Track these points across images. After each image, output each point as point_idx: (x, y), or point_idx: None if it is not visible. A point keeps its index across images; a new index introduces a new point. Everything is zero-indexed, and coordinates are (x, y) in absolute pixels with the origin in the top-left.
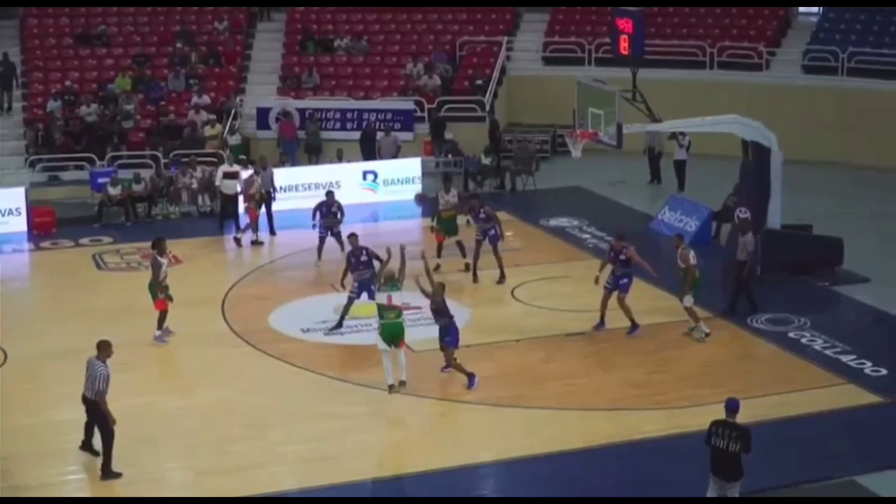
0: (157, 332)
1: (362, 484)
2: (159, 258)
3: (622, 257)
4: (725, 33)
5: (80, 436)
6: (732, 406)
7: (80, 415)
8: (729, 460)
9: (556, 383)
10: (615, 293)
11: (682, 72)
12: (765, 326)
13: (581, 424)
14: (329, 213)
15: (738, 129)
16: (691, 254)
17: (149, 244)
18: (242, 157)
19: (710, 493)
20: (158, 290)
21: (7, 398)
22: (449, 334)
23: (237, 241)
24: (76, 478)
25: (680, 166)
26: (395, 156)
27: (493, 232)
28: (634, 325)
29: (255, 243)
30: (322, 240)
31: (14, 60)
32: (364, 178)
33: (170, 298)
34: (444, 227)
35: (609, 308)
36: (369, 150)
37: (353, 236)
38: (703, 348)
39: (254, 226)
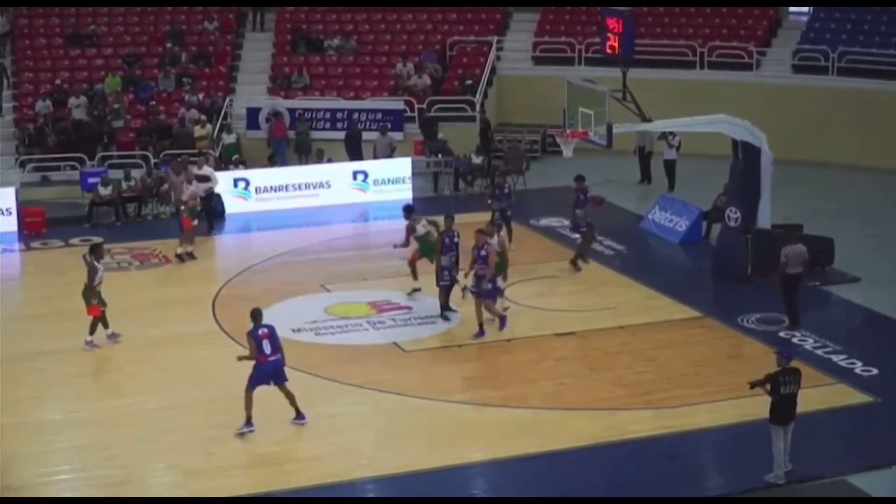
0: (89, 338)
1: (351, 484)
2: (96, 263)
3: (482, 253)
4: (715, 33)
5: (67, 436)
6: (788, 354)
7: (66, 415)
8: (793, 402)
9: (547, 383)
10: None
11: (672, 71)
12: (755, 326)
13: (571, 424)
14: None
15: (728, 128)
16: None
17: (141, 244)
18: (236, 156)
19: (785, 443)
20: (91, 295)
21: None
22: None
23: (179, 256)
24: (63, 478)
25: (670, 166)
26: (389, 156)
27: (509, 212)
28: (481, 330)
29: (189, 256)
30: None
31: (4, 61)
32: (354, 178)
33: (103, 304)
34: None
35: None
36: (355, 150)
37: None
38: (693, 348)
39: (189, 237)
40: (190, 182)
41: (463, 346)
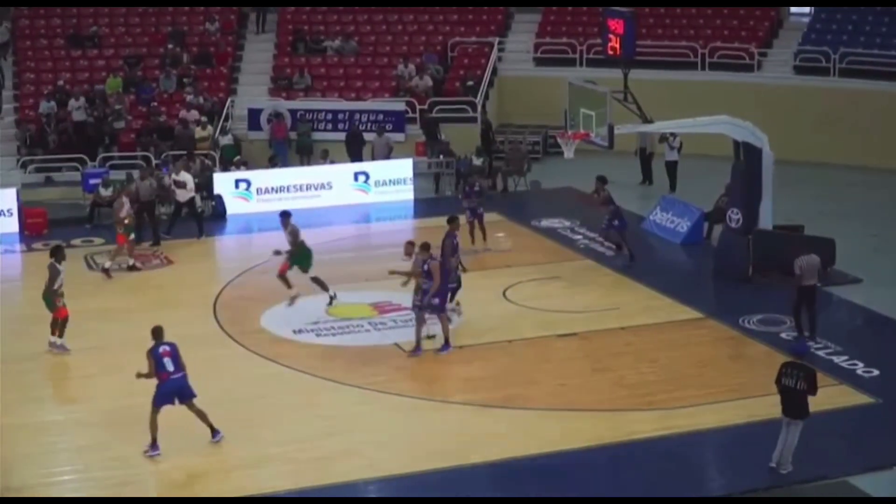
0: (59, 340)
1: (353, 485)
2: (57, 265)
3: (425, 267)
4: (717, 34)
5: (68, 437)
6: (799, 350)
7: (67, 415)
8: (796, 399)
9: (548, 384)
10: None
11: (673, 72)
12: (757, 327)
13: (573, 425)
14: None
15: (729, 129)
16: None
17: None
18: (237, 157)
19: (781, 435)
20: (55, 297)
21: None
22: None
23: (107, 272)
24: (65, 479)
25: (671, 167)
26: (387, 157)
27: (480, 210)
28: (447, 343)
29: (133, 268)
30: None
31: (3, 63)
32: (356, 179)
33: (64, 306)
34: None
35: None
36: (355, 151)
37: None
38: (695, 349)
39: (129, 250)
40: (128, 193)
41: (464, 347)
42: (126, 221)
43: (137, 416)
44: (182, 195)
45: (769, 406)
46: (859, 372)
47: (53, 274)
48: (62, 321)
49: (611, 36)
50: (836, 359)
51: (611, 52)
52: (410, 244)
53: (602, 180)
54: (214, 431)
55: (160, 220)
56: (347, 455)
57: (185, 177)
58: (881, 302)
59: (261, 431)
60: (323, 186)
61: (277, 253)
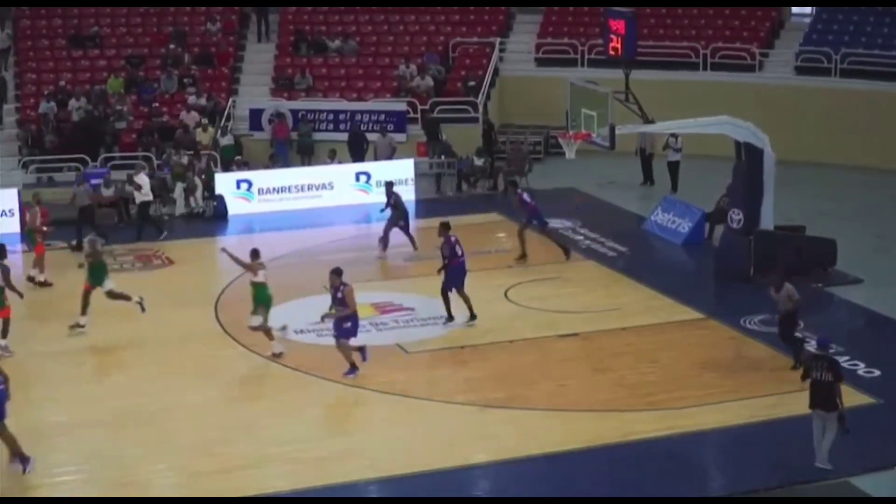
0: (3, 342)
1: (353, 485)
2: (6, 263)
3: (339, 295)
4: (718, 34)
5: (71, 437)
6: (823, 342)
7: (69, 416)
8: (825, 390)
9: (549, 384)
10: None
11: (674, 73)
12: (758, 327)
13: (574, 425)
14: None
15: (730, 130)
16: (261, 272)
17: (144, 245)
18: (238, 157)
19: (815, 428)
20: (3, 297)
21: None
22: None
23: (32, 279)
24: (68, 479)
25: (673, 168)
26: (390, 157)
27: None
28: (353, 367)
29: (44, 284)
30: None
31: (5, 74)
32: (357, 179)
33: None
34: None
35: (592, 310)
36: (357, 151)
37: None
38: (696, 350)
39: (39, 263)
40: (39, 205)
41: (466, 347)
42: (45, 229)
43: (139, 415)
44: (138, 197)
45: (770, 406)
46: (860, 372)
47: (5, 272)
48: (4, 321)
49: (612, 36)
50: (837, 359)
51: (612, 53)
52: (335, 274)
53: (513, 184)
54: (22, 459)
55: (163, 218)
56: (348, 455)
57: (143, 180)
58: (882, 302)
59: (261, 432)
60: (324, 187)
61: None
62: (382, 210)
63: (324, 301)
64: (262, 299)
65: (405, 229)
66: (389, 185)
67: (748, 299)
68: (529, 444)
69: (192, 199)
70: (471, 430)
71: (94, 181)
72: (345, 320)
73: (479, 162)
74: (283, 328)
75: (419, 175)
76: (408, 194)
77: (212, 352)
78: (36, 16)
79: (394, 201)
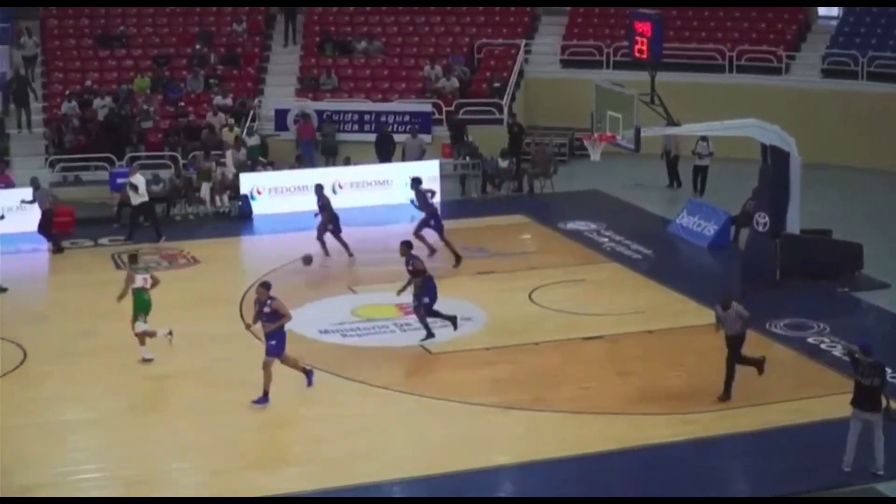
0: None
1: (377, 485)
2: None
3: (266, 310)
4: (744, 37)
5: (88, 435)
6: (866, 348)
7: (88, 414)
8: (872, 394)
9: (574, 387)
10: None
11: (700, 75)
12: (783, 331)
13: (597, 428)
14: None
15: (757, 132)
16: (139, 276)
17: (170, 244)
18: (261, 158)
19: (852, 428)
20: None
21: (21, 397)
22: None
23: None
24: (85, 477)
25: (702, 171)
26: (419, 158)
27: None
28: (265, 396)
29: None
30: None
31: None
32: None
33: None
34: None
35: (617, 313)
36: (385, 153)
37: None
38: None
39: None
40: None
41: (490, 348)
42: None
43: (158, 414)
44: (134, 198)
45: (792, 412)
46: (889, 378)
47: None
48: None
49: (638, 38)
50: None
51: (638, 55)
52: (263, 287)
53: (417, 181)
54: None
55: (188, 218)
56: (371, 456)
57: (139, 180)
58: None
59: (284, 431)
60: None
61: (307, 261)
62: (316, 215)
63: (348, 301)
64: (141, 305)
65: (336, 234)
66: (320, 188)
67: (774, 303)
68: (552, 446)
69: (217, 199)
70: (494, 431)
71: (120, 180)
72: (270, 337)
73: (503, 164)
74: (169, 334)
75: (444, 176)
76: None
77: (236, 351)
78: (63, 15)
79: (322, 203)
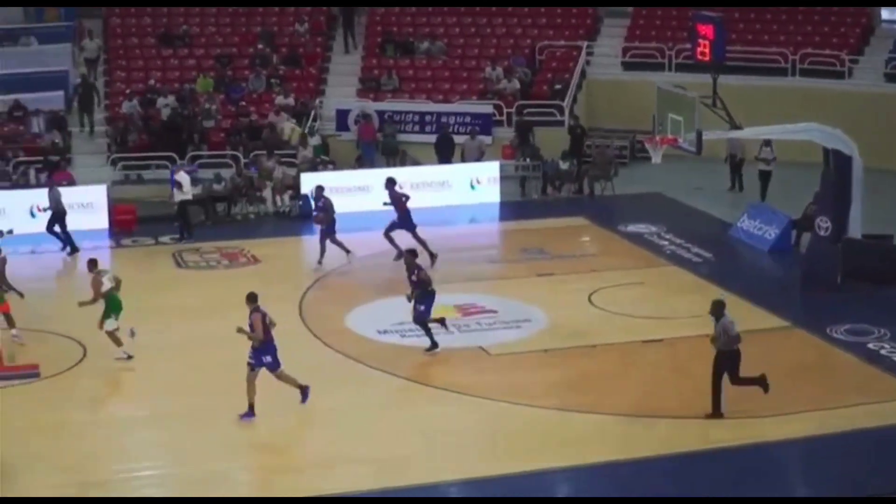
0: (14, 331)
1: (434, 486)
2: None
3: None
4: (808, 40)
5: (148, 433)
6: None
7: (148, 411)
8: None
9: (632, 390)
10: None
11: (763, 79)
12: (844, 336)
13: (656, 432)
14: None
15: (819, 136)
16: (105, 278)
17: (230, 243)
18: (324, 157)
19: None
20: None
21: (83, 394)
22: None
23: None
24: (145, 475)
25: (765, 176)
26: (478, 159)
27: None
28: (250, 411)
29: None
30: None
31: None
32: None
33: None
34: None
35: (677, 317)
36: (445, 153)
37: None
38: (781, 358)
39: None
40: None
41: (549, 350)
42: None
43: (220, 412)
44: (177, 195)
45: (852, 417)
46: None
47: (2, 267)
48: (6, 316)
49: (700, 41)
50: None
51: (700, 57)
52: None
53: (391, 182)
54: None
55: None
56: (429, 457)
57: (183, 178)
58: None
59: (340, 431)
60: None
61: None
62: (315, 214)
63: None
64: (115, 307)
65: (331, 235)
66: (320, 190)
67: (835, 308)
68: (610, 449)
69: (278, 199)
70: (551, 433)
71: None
72: (263, 353)
73: (564, 165)
74: (132, 333)
75: (504, 178)
76: (492, 196)
77: (294, 350)
78: (126, 14)
79: (322, 204)
